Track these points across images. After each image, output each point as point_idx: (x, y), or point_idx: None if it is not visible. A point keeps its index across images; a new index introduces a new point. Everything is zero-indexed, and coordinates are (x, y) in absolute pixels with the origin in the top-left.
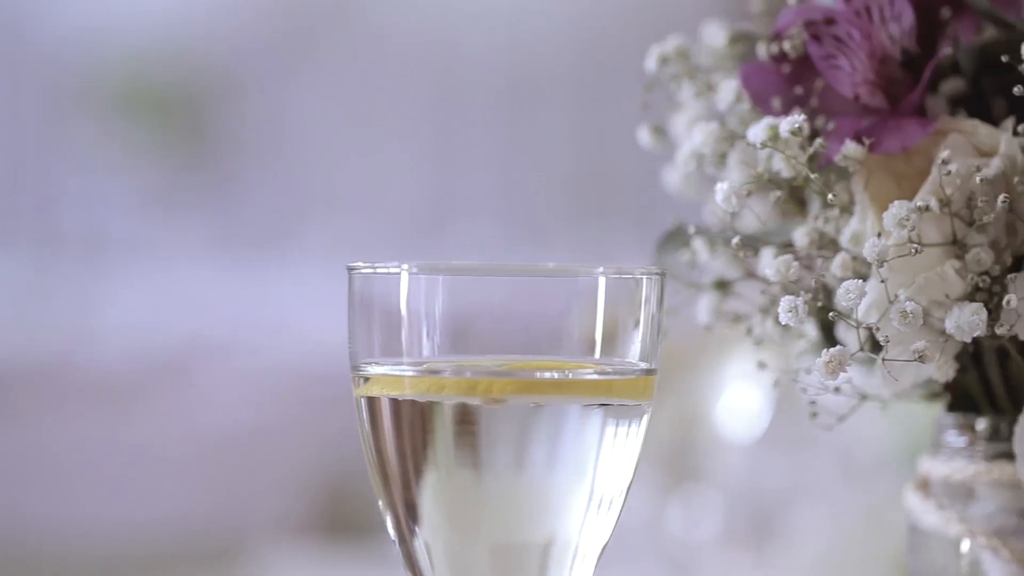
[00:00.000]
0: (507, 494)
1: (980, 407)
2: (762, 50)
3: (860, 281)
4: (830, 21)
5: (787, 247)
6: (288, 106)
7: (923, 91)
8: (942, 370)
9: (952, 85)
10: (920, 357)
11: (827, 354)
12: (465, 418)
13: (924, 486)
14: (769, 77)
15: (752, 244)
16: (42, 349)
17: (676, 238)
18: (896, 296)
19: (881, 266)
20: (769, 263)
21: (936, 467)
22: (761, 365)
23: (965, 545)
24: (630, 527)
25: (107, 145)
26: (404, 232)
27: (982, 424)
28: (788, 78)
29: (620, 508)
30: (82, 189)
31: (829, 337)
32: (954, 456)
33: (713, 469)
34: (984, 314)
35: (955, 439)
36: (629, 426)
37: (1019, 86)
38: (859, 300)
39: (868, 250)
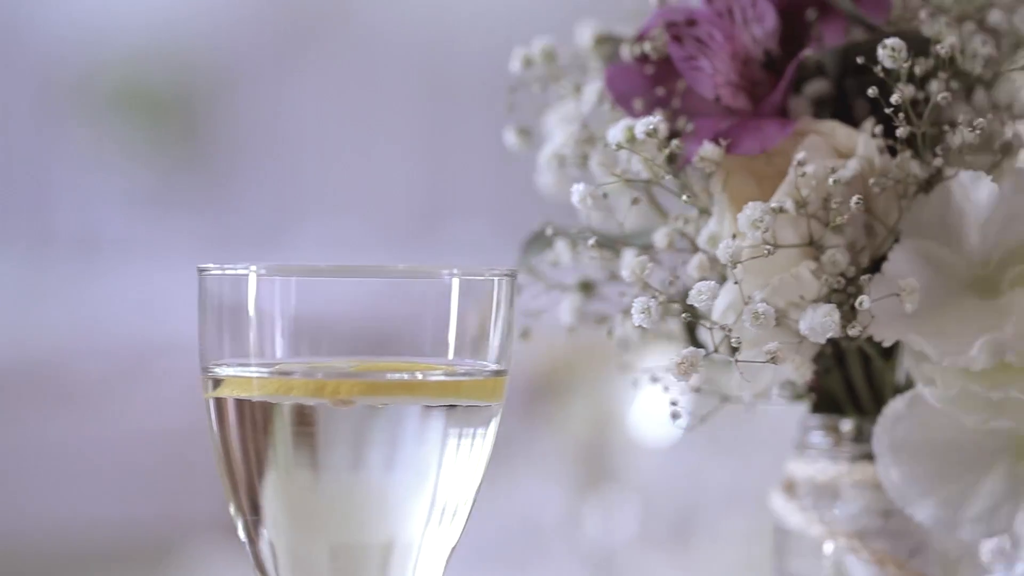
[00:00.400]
0: (345, 495)
1: (844, 409)
2: (626, 51)
3: (712, 282)
4: (692, 22)
5: (648, 248)
6: (283, 106)
7: (784, 92)
8: (799, 371)
9: (816, 87)
10: (772, 358)
11: (679, 355)
12: (304, 419)
13: (790, 487)
14: (633, 78)
15: (612, 245)
16: (36, 349)
17: (541, 239)
18: (750, 297)
19: (735, 267)
20: (627, 264)
21: (801, 468)
22: (622, 367)
23: (828, 546)
24: (547, 527)
25: (101, 145)
26: (399, 232)
27: (847, 425)
28: (651, 79)
29: (467, 513)
30: (76, 189)
31: (693, 338)
32: (819, 457)
33: (629, 470)
34: (837, 315)
35: (820, 440)
36: (476, 429)
37: (873, 87)
38: (711, 301)
39: (722, 251)
